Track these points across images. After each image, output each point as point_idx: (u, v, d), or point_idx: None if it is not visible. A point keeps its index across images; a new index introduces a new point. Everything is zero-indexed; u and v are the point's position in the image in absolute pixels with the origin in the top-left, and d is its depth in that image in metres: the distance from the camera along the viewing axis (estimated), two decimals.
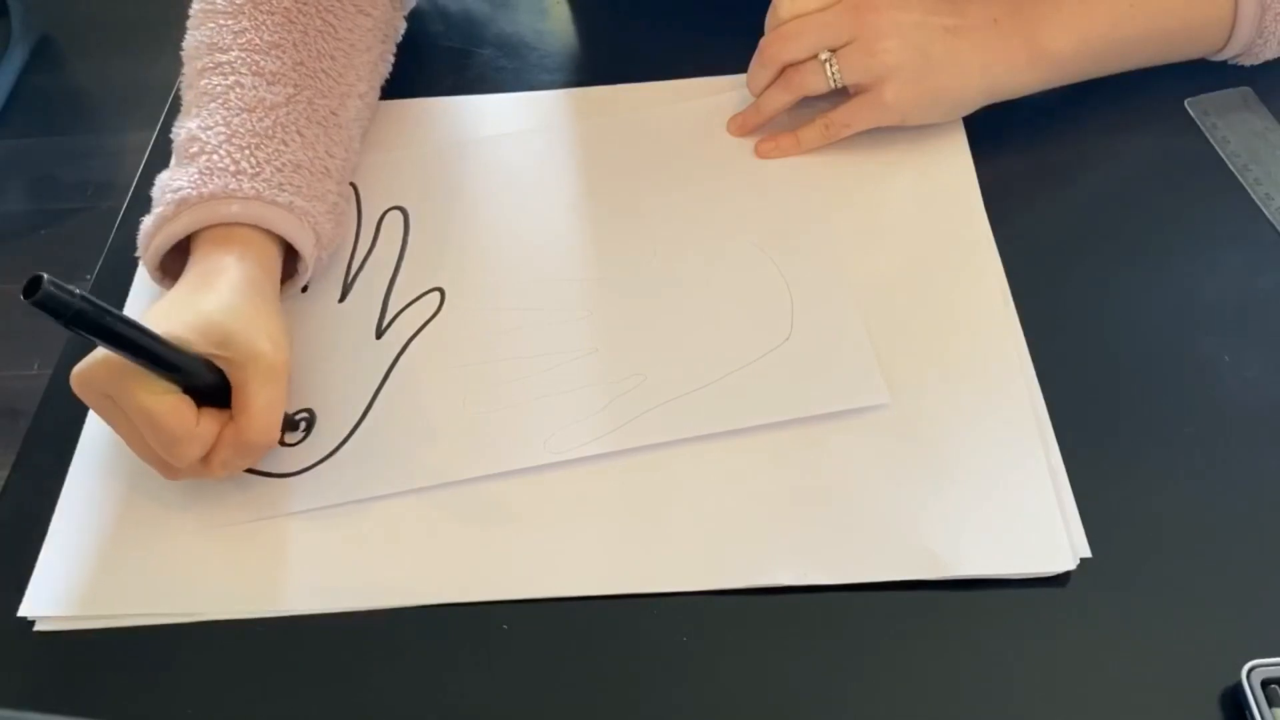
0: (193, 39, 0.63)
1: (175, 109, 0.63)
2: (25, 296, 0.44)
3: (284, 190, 0.58)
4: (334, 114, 0.64)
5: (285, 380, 0.54)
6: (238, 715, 0.49)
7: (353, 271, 0.65)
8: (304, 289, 0.64)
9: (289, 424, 0.57)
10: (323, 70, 0.64)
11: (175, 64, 0.64)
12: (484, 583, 0.52)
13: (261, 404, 0.52)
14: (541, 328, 0.60)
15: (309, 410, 0.58)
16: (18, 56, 2.09)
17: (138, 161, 0.69)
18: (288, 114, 0.61)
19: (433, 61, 0.77)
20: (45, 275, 0.44)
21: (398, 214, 0.67)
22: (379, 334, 0.61)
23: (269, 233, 0.58)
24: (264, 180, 0.58)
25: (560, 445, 0.55)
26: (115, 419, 0.52)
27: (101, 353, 0.50)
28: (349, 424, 0.57)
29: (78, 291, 0.45)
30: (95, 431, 0.58)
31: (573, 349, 0.59)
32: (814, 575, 0.50)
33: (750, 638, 0.49)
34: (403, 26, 0.73)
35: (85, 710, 0.49)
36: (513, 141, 0.70)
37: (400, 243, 0.66)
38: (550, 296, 0.62)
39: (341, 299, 0.63)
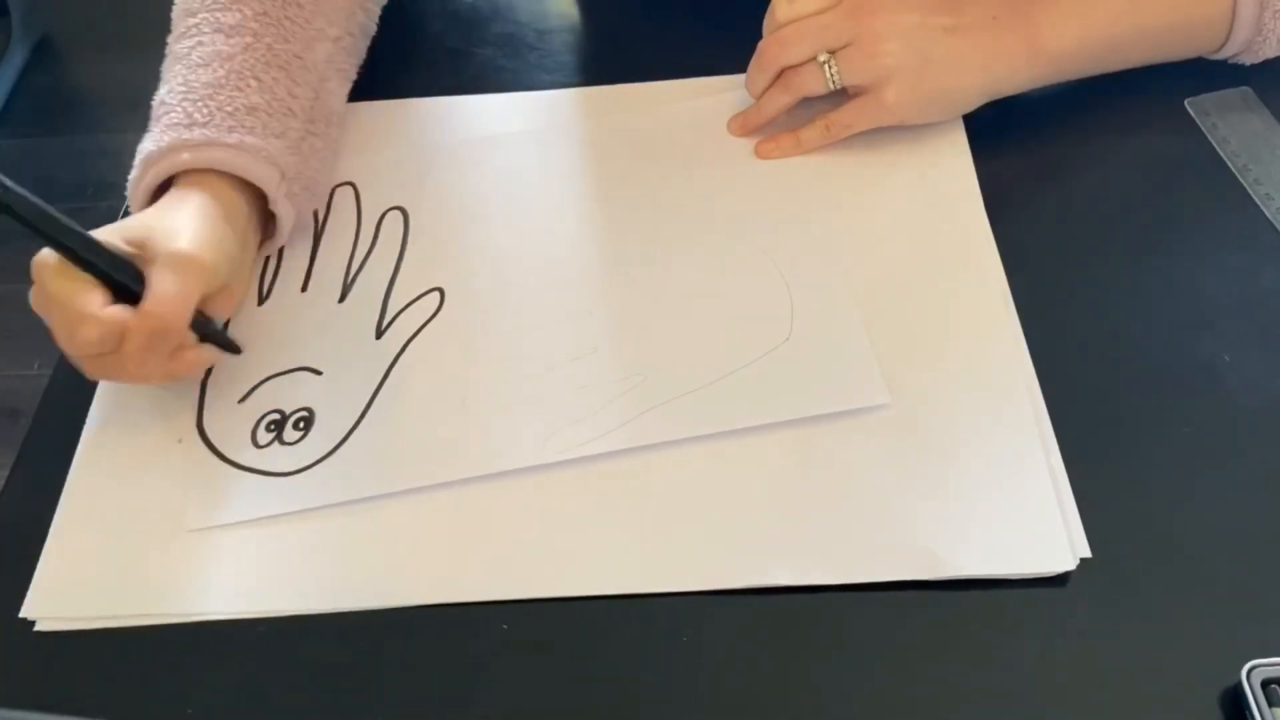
0: (175, 9, 0.66)
1: None
2: None
3: (234, 132, 0.60)
4: (298, 57, 0.65)
5: (199, 276, 0.55)
6: (237, 715, 0.49)
7: (352, 271, 0.65)
8: (304, 288, 0.64)
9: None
10: (287, 17, 0.65)
11: None
12: (484, 583, 0.52)
13: (162, 286, 0.53)
14: (541, 328, 0.60)
15: (308, 409, 0.58)
16: (18, 56, 2.09)
17: None
18: (243, 61, 0.62)
19: (433, 61, 0.77)
20: None
21: (398, 214, 0.67)
22: (379, 334, 0.61)
23: (230, 176, 0.60)
24: (214, 126, 0.60)
25: (560, 445, 0.55)
26: (45, 312, 0.54)
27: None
28: (348, 424, 0.57)
29: (8, 182, 0.51)
30: (95, 432, 0.58)
31: (573, 349, 0.59)
32: (814, 575, 0.50)
33: (750, 638, 0.49)
34: None
35: (85, 710, 0.49)
36: (513, 141, 0.70)
37: (400, 243, 0.66)
38: (550, 296, 0.62)
39: (341, 299, 0.63)
